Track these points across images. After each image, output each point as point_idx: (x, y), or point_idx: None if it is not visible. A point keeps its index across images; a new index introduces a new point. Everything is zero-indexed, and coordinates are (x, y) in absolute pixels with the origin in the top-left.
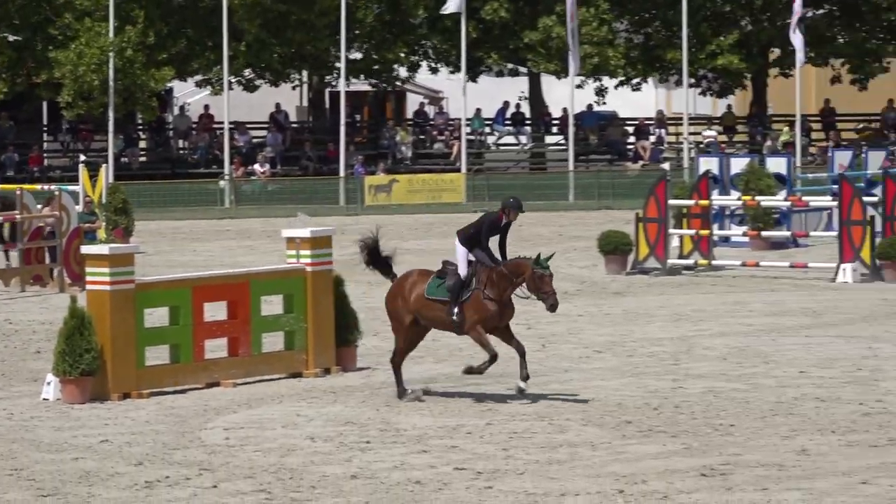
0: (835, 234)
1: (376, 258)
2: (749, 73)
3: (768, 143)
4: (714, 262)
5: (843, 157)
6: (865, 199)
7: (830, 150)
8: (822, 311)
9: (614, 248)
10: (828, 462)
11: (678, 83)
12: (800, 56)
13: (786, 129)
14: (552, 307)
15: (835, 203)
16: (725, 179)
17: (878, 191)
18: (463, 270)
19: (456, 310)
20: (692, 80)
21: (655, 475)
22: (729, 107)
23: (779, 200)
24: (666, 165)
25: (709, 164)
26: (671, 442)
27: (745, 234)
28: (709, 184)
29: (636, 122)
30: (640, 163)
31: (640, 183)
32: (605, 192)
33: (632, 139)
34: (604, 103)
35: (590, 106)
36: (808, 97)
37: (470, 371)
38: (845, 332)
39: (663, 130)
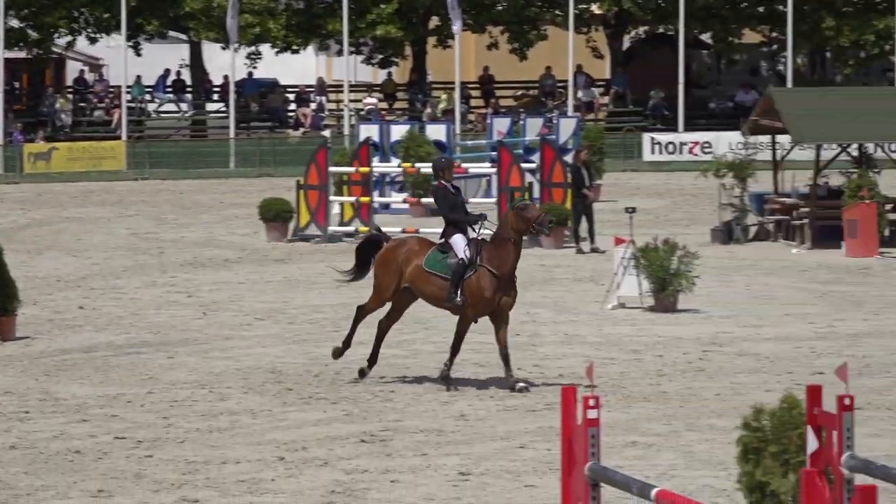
0: (493, 200)
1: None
2: (408, 41)
3: (428, 110)
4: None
5: (501, 124)
6: (524, 165)
7: (489, 117)
8: None
9: (275, 215)
10: (486, 427)
11: (339, 52)
12: (456, 28)
13: (445, 96)
14: (550, 226)
15: (493, 170)
16: (385, 147)
17: (536, 157)
18: (464, 254)
19: (459, 292)
20: (353, 48)
21: (316, 442)
22: (389, 74)
23: None
24: (327, 133)
25: (369, 131)
26: (332, 409)
27: (404, 201)
28: (369, 151)
29: (297, 90)
30: (301, 130)
31: (301, 150)
32: (266, 160)
33: (293, 106)
34: (255, 68)
35: (251, 73)
36: (467, 64)
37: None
38: None
39: (324, 98)
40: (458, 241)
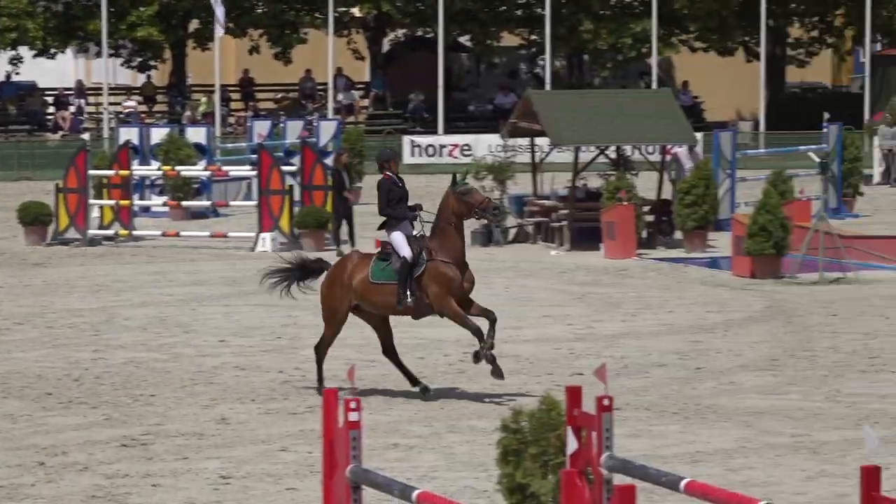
0: (254, 203)
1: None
2: (168, 44)
3: (188, 113)
4: (134, 233)
5: (262, 127)
6: (284, 168)
7: (250, 119)
8: (242, 279)
9: (34, 218)
10: (248, 430)
11: (98, 53)
12: (220, 29)
13: (204, 99)
14: (495, 213)
15: (254, 173)
16: (146, 149)
17: (296, 160)
18: (406, 252)
19: (409, 292)
20: (113, 51)
21: (76, 446)
22: (149, 77)
23: (199, 170)
24: (86, 136)
25: (129, 134)
26: (92, 413)
27: (165, 205)
28: (129, 154)
29: (56, 93)
30: (60, 133)
31: (61, 153)
32: (24, 163)
33: (52, 109)
34: (17, 74)
35: (8, 76)
36: (227, 67)
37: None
38: (265, 300)
39: (83, 101)
40: (396, 238)
